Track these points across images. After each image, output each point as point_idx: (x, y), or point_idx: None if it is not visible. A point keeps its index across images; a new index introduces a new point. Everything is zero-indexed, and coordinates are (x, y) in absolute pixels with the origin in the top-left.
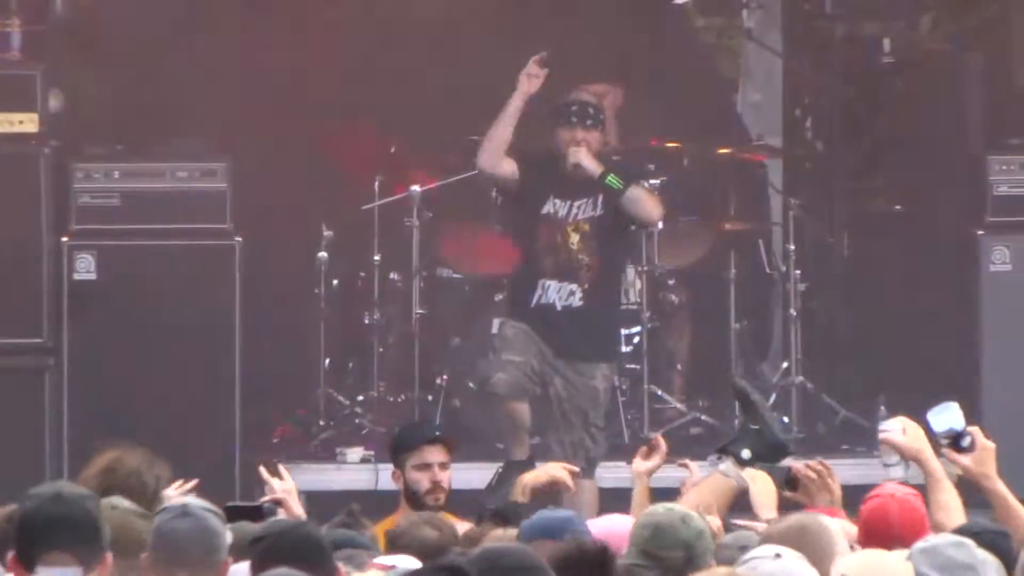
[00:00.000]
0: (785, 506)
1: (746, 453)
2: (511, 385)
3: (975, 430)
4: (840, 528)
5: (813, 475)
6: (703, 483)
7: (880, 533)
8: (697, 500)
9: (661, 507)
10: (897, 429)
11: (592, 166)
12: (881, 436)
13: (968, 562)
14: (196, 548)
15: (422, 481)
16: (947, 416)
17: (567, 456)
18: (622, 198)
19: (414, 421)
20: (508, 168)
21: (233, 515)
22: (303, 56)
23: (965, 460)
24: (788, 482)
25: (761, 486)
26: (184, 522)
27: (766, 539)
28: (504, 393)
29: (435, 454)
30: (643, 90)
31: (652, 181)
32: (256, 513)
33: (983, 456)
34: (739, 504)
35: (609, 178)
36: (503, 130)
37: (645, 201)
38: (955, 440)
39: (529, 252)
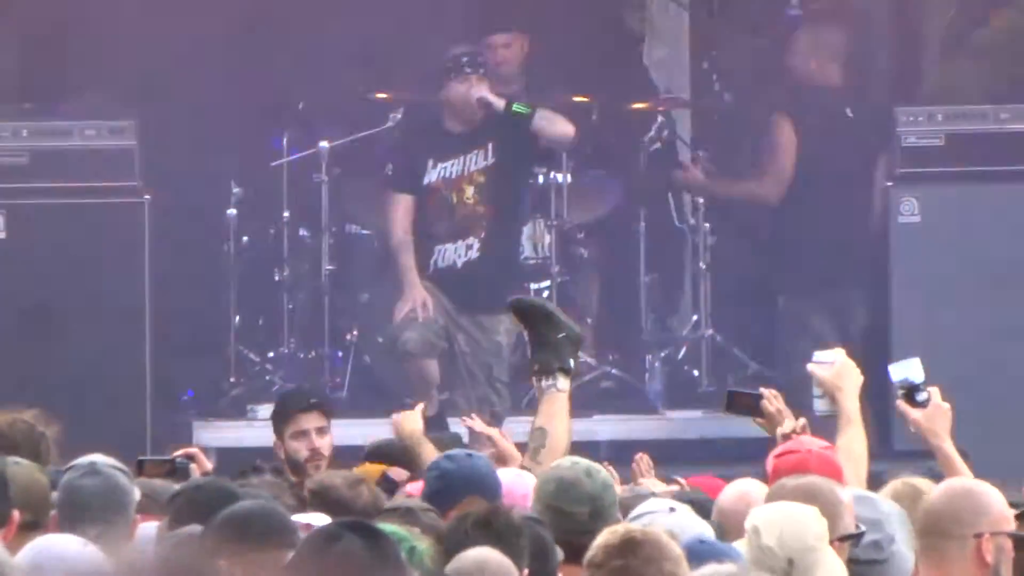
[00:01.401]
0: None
1: (571, 361)
2: (421, 343)
3: (934, 390)
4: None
5: (772, 408)
6: (552, 411)
7: None
8: (565, 426)
9: (567, 460)
10: (828, 363)
11: (496, 100)
12: (809, 366)
13: (873, 518)
14: (104, 505)
15: (300, 450)
16: (906, 368)
17: (472, 411)
18: (533, 122)
19: (290, 390)
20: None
21: (145, 469)
22: (208, 12)
23: (916, 414)
24: (756, 410)
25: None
26: (92, 480)
27: (773, 498)
28: (415, 351)
29: (311, 420)
30: (550, 43)
31: None
32: (169, 467)
33: (935, 414)
34: None
35: (515, 106)
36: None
37: (556, 120)
38: (910, 392)
39: (419, 221)
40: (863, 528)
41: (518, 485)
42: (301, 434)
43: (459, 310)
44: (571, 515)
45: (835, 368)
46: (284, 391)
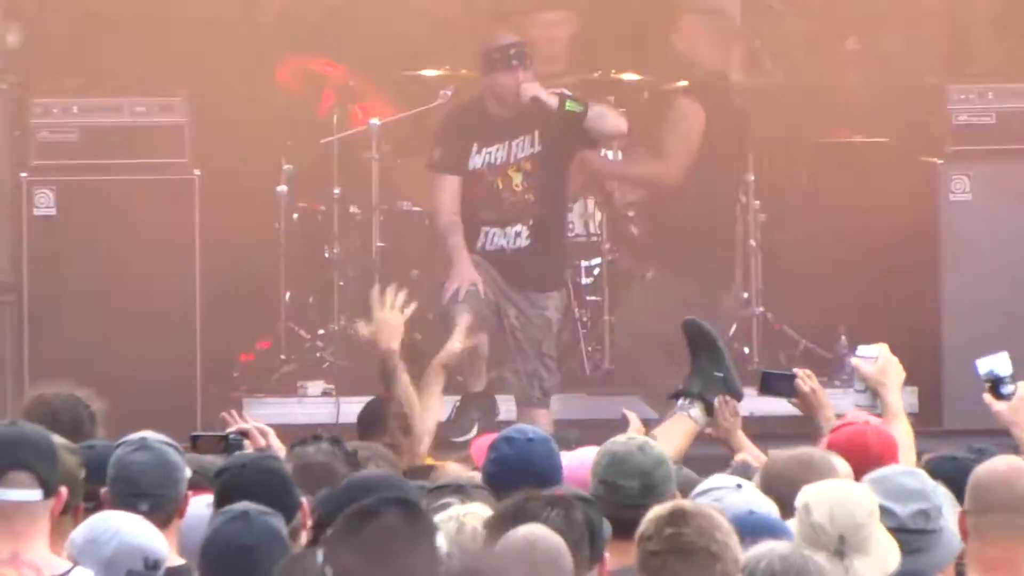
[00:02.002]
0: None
1: (717, 401)
2: (474, 317)
3: (1022, 383)
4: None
5: (807, 388)
6: (672, 427)
7: (857, 460)
8: (668, 445)
9: (622, 437)
10: (871, 358)
11: (549, 98)
12: (852, 361)
13: (919, 488)
14: (155, 480)
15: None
16: (994, 361)
17: (522, 385)
18: (586, 119)
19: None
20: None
21: (199, 445)
22: None
23: (1000, 406)
24: (791, 390)
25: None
26: (142, 455)
27: (769, 469)
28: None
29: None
30: (599, 21)
31: None
32: (222, 443)
33: (1019, 406)
34: None
35: (568, 104)
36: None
37: (609, 115)
38: (995, 385)
39: (465, 204)
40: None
41: (580, 470)
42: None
43: (510, 284)
44: (622, 488)
45: (879, 363)
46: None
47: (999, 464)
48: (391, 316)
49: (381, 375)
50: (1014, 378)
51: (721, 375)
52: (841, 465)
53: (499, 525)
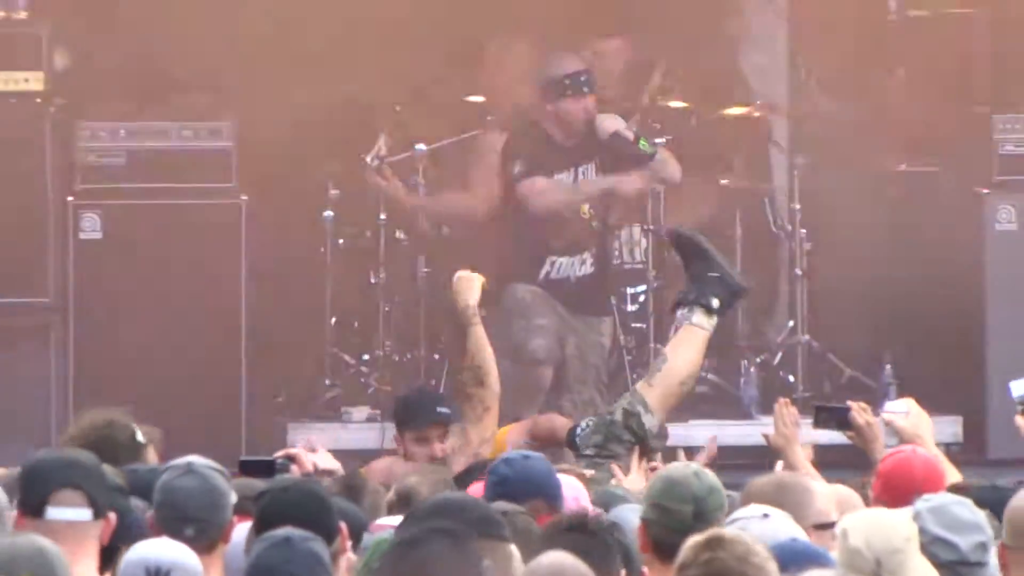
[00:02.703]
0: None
1: (715, 301)
2: (550, 350)
3: None
4: (831, 491)
5: (861, 421)
6: (679, 340)
7: (901, 488)
8: (687, 357)
9: (680, 463)
10: (902, 412)
11: (628, 134)
12: (884, 417)
13: (974, 520)
14: (201, 505)
15: (418, 455)
16: None
17: (577, 415)
18: (653, 160)
19: (419, 394)
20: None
21: (247, 469)
22: (307, 14)
23: None
24: (845, 423)
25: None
26: (189, 480)
27: (746, 493)
28: (544, 359)
29: (435, 429)
30: (648, 48)
31: (658, 140)
32: (269, 468)
33: None
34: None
35: (642, 143)
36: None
37: (671, 162)
38: None
39: (533, 231)
40: (835, 517)
41: (569, 488)
42: (423, 440)
43: (572, 313)
44: (675, 512)
45: (911, 418)
46: (413, 393)
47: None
48: (469, 274)
49: (455, 330)
50: None
51: (716, 275)
52: (821, 488)
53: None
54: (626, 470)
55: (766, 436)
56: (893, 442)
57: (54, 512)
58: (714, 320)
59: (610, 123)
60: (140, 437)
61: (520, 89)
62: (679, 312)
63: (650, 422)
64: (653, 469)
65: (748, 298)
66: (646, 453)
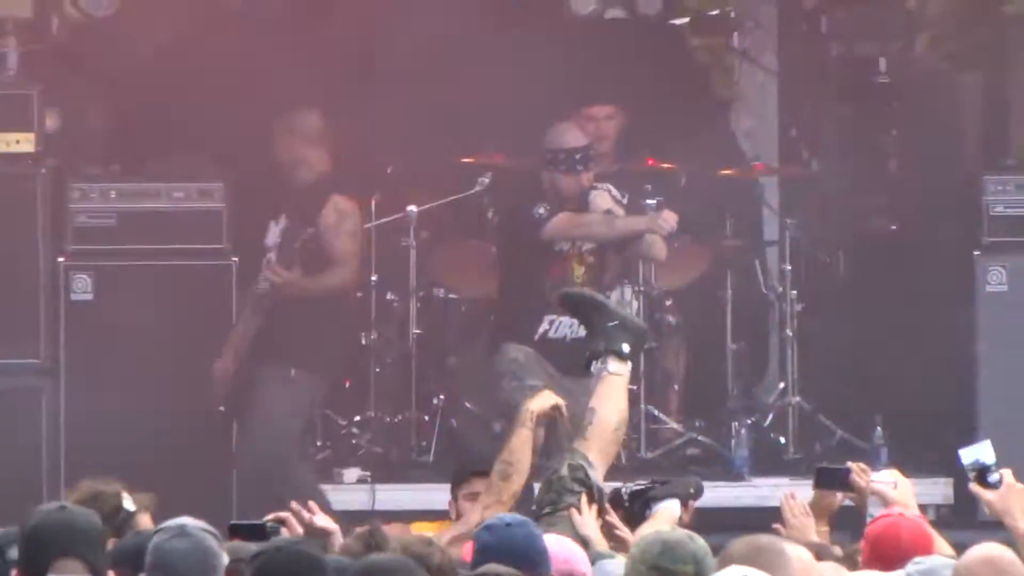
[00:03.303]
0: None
1: (624, 347)
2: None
3: (1007, 471)
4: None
5: (862, 483)
6: (603, 392)
7: (888, 554)
8: (615, 406)
9: (666, 526)
10: (889, 483)
11: (618, 211)
12: (872, 487)
13: None
14: (193, 568)
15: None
16: (977, 450)
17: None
18: (642, 239)
19: (465, 452)
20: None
21: (237, 533)
22: (297, 76)
23: (989, 495)
24: (846, 484)
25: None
26: (181, 542)
27: (724, 559)
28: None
29: (483, 483)
30: (639, 110)
31: (648, 201)
32: (260, 532)
33: (1008, 494)
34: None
35: None
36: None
37: (657, 243)
38: (981, 474)
39: (534, 284)
40: None
41: (562, 551)
42: (473, 496)
43: (564, 374)
44: (677, 573)
45: (900, 488)
46: (465, 453)
47: (976, 553)
48: (550, 394)
49: (511, 423)
50: (998, 466)
51: (616, 323)
52: (795, 552)
53: None
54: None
55: (777, 529)
56: (880, 511)
57: None
58: (628, 365)
59: (601, 200)
60: (129, 505)
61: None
62: (594, 366)
63: (594, 475)
64: (611, 526)
65: (738, 359)
66: (595, 502)
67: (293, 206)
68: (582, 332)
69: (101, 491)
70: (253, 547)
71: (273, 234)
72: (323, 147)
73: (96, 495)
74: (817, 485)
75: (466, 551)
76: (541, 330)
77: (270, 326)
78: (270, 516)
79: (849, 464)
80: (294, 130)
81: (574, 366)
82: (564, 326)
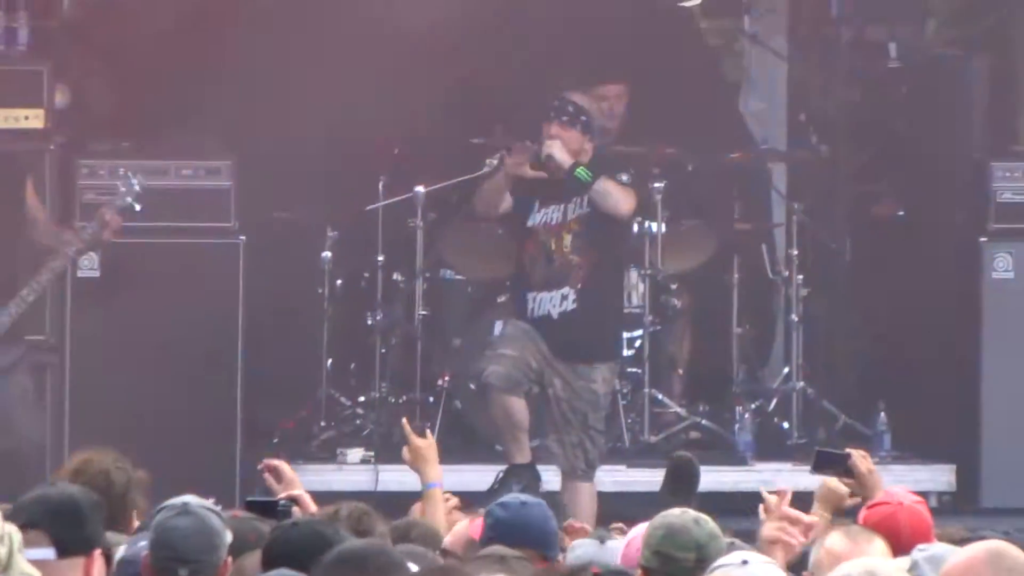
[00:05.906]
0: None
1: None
2: (504, 377)
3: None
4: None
5: (863, 468)
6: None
7: (889, 539)
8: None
9: (676, 511)
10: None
11: (563, 158)
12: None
13: None
14: (196, 546)
15: None
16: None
17: (567, 457)
18: (590, 191)
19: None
20: (505, 204)
21: (253, 509)
22: (307, 56)
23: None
24: (846, 470)
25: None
26: (184, 520)
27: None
28: (497, 384)
29: None
30: (648, 93)
31: (656, 184)
32: (273, 509)
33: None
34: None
35: (578, 170)
36: (492, 195)
37: (613, 194)
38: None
39: (519, 264)
40: None
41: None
42: None
43: (556, 355)
44: (678, 560)
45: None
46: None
47: (974, 550)
48: (426, 444)
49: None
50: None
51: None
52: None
53: None
54: None
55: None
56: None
57: (25, 553)
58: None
59: (551, 149)
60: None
61: None
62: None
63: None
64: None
65: (742, 344)
66: None
67: None
68: (568, 307)
69: (108, 471)
70: (258, 525)
71: None
72: None
73: (121, 462)
74: (815, 469)
75: (474, 528)
76: (528, 309)
77: None
78: (283, 494)
79: (849, 450)
80: None
81: (564, 347)
82: (545, 302)
